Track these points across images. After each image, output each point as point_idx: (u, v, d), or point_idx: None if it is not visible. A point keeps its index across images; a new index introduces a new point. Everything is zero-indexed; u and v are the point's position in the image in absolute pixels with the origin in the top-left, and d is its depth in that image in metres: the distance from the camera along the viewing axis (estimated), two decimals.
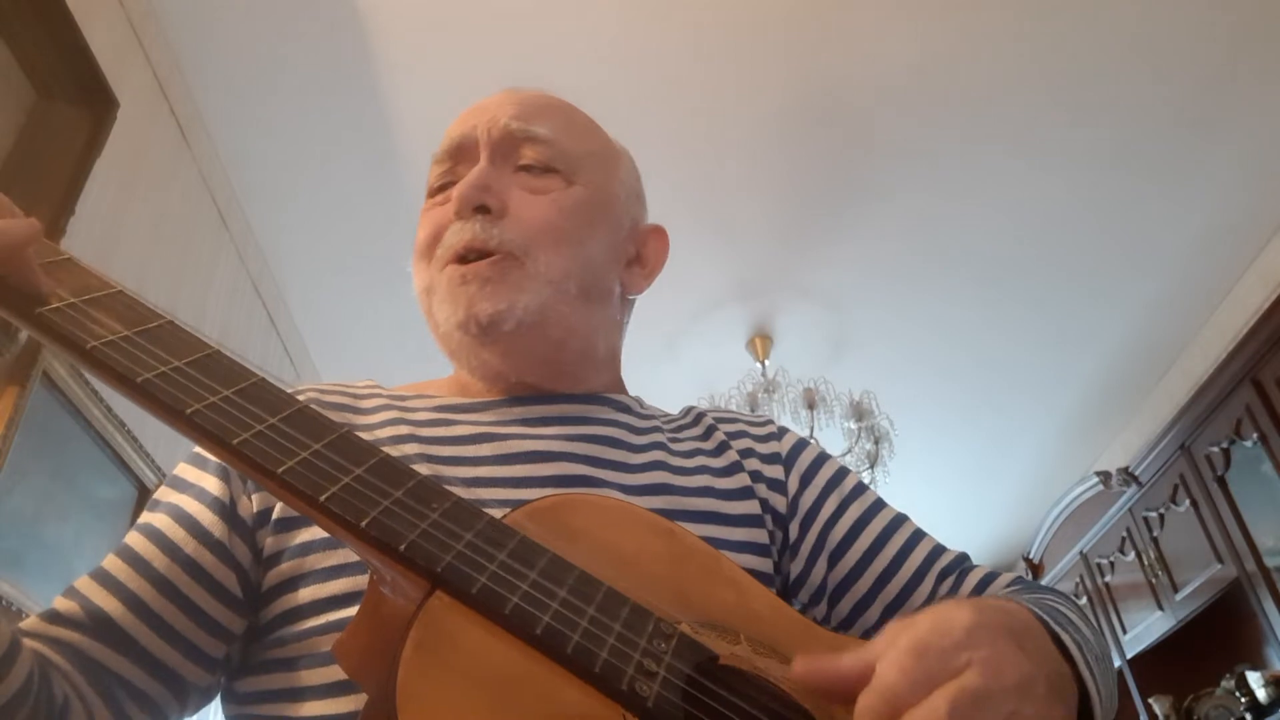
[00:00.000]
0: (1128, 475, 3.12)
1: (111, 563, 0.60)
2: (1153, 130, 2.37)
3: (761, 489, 0.70)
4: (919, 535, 0.71)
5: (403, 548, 0.42)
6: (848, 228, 2.66)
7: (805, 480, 0.72)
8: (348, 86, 2.10)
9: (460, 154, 0.74)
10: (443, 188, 0.74)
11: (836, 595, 0.68)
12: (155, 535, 0.60)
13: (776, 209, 2.59)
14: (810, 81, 2.19)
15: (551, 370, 0.72)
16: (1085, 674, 0.47)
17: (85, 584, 0.59)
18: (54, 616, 0.57)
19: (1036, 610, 0.48)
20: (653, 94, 2.20)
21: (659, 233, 0.81)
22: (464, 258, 0.68)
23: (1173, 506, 2.92)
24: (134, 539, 0.61)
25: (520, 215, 0.69)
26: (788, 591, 0.68)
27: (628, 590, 0.46)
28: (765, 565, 0.66)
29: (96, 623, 0.56)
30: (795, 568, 0.68)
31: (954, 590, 0.67)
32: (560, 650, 0.41)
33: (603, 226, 0.74)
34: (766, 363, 3.10)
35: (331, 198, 2.40)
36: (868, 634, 0.69)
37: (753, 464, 0.71)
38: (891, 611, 0.67)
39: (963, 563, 0.70)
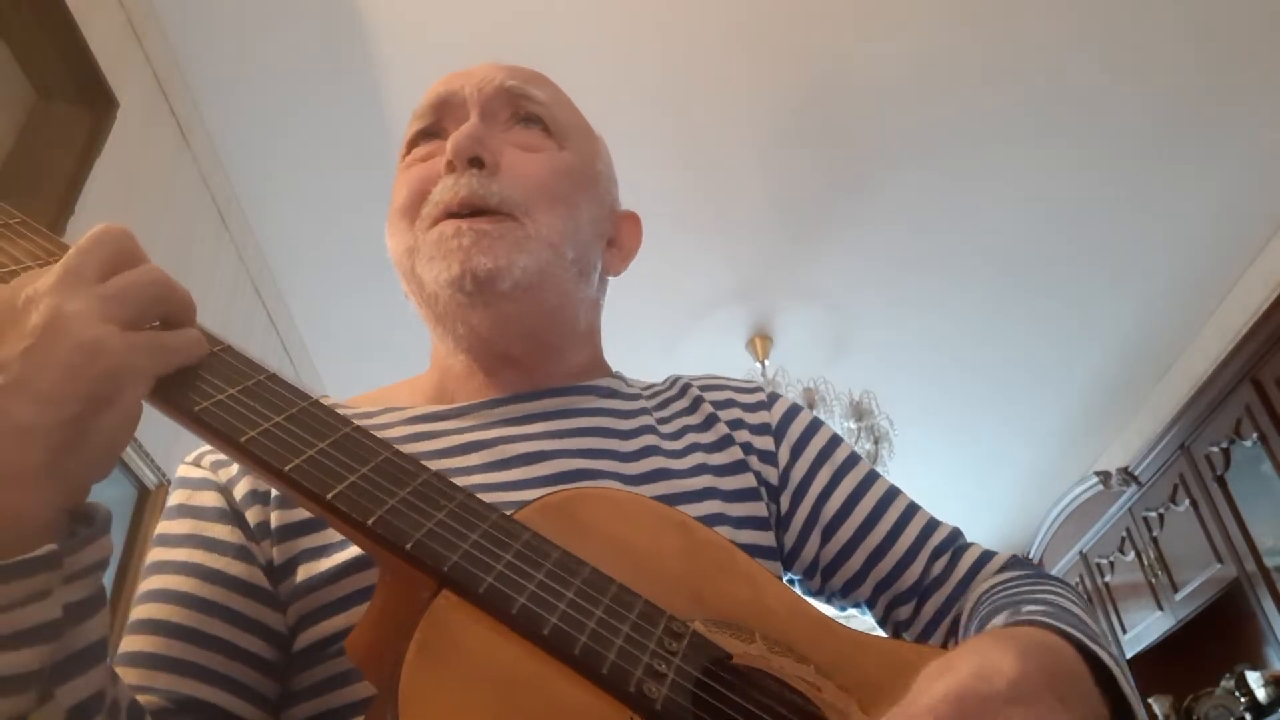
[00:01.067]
0: (1128, 475, 3.12)
1: (154, 642, 0.54)
2: (1154, 129, 2.37)
3: (753, 461, 0.68)
4: (912, 510, 0.69)
5: (409, 547, 0.42)
6: (848, 226, 2.66)
7: (796, 452, 0.70)
8: (348, 86, 2.10)
9: (445, 110, 0.71)
10: (423, 144, 0.71)
11: (829, 570, 0.68)
12: (195, 602, 0.56)
13: (777, 207, 2.59)
14: (811, 78, 2.19)
15: (536, 345, 0.69)
16: (1127, 691, 0.45)
17: (132, 673, 0.53)
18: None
19: (1070, 631, 0.46)
20: (652, 93, 2.19)
21: (633, 218, 0.80)
22: (456, 214, 0.64)
23: (1172, 506, 2.92)
24: (168, 610, 0.56)
25: (514, 172, 0.66)
26: (781, 564, 0.68)
27: (640, 587, 0.46)
28: (768, 539, 0.65)
29: (182, 707, 0.53)
30: (788, 540, 0.67)
31: (948, 569, 0.67)
32: (568, 651, 0.41)
33: (591, 197, 0.72)
34: (766, 363, 3.10)
35: (332, 197, 2.39)
36: (859, 607, 0.69)
37: (743, 435, 0.69)
38: (884, 588, 0.67)
39: (956, 540, 0.69)
